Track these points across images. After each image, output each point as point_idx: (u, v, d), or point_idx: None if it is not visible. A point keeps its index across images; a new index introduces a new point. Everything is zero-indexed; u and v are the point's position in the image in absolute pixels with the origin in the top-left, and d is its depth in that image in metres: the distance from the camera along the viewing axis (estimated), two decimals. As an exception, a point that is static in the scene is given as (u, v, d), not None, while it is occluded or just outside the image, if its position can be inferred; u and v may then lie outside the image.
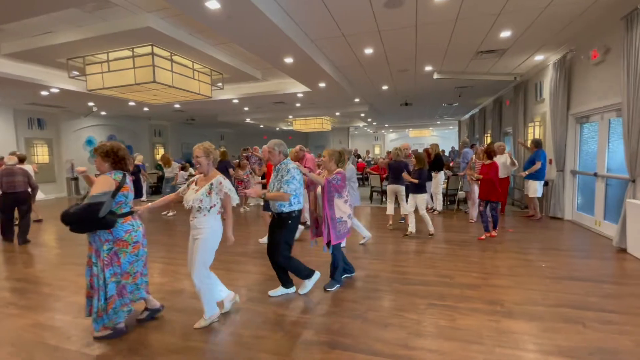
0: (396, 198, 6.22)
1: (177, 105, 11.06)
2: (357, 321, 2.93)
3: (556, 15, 4.91)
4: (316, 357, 2.45)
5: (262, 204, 6.36)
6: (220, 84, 8.09)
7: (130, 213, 2.80)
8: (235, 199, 2.89)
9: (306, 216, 5.76)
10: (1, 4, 3.98)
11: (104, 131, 13.86)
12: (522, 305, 3.13)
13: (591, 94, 5.61)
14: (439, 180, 7.53)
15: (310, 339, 2.70)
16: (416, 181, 5.51)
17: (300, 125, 16.29)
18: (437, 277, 3.86)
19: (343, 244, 5.13)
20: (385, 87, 9.73)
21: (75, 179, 12.40)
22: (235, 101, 10.56)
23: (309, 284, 3.55)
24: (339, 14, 4.69)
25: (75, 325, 2.98)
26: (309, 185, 3.74)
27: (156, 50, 5.86)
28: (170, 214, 8.18)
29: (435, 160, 7.54)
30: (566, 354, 2.39)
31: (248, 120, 15.85)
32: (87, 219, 2.53)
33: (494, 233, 5.49)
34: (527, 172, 6.47)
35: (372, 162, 15.78)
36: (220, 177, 2.85)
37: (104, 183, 2.63)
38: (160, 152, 15.97)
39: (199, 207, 2.75)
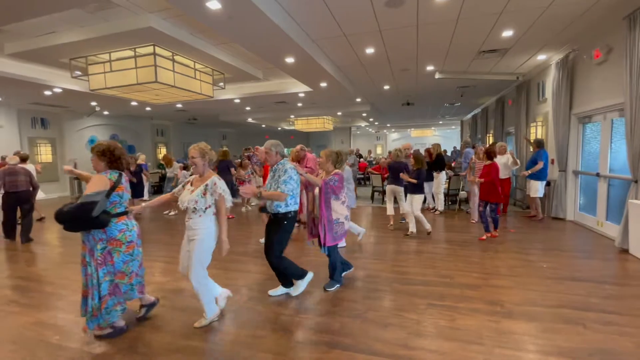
0: (396, 198, 6.22)
1: (179, 105, 11.11)
2: (357, 321, 2.93)
3: (558, 15, 4.89)
4: (316, 356, 2.46)
5: (260, 204, 6.35)
6: (221, 84, 8.11)
7: (125, 213, 2.80)
8: (229, 201, 2.87)
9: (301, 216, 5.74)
10: (4, 4, 4.02)
11: (107, 131, 13.93)
12: (522, 306, 3.12)
13: (594, 94, 5.59)
14: (440, 180, 7.51)
15: (310, 338, 2.70)
16: (415, 181, 5.51)
17: (302, 125, 16.28)
18: (437, 277, 3.86)
19: (343, 244, 5.16)
20: (386, 87, 9.72)
21: (78, 178, 12.44)
22: (237, 101, 10.58)
23: (301, 285, 3.53)
24: (340, 13, 4.69)
25: (77, 323, 2.99)
26: (307, 185, 3.72)
27: (158, 50, 5.89)
28: (172, 213, 8.20)
29: (436, 160, 7.52)
30: (566, 355, 2.39)
31: (250, 120, 15.88)
32: (81, 218, 2.52)
33: (495, 233, 5.47)
34: (529, 172, 6.47)
35: (374, 162, 15.73)
36: (215, 177, 2.84)
37: (98, 182, 2.63)
38: (162, 151, 16.05)
39: (194, 208, 2.74)
